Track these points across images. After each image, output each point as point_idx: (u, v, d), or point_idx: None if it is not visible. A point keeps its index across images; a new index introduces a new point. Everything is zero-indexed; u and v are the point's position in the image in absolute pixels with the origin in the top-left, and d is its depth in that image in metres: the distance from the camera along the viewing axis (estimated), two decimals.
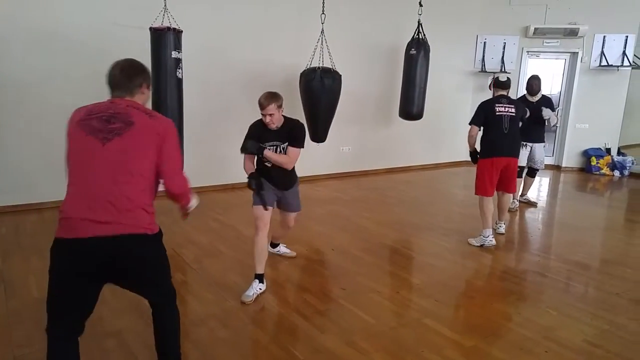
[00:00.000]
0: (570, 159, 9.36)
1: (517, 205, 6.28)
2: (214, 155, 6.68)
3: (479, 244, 4.78)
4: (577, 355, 2.89)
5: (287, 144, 3.59)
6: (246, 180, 3.59)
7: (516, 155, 4.92)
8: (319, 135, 6.61)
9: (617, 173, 8.89)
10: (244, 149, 3.58)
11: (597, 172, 8.96)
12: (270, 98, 3.46)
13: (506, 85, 4.97)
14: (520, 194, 6.58)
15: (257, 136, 3.59)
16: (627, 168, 8.89)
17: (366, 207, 6.22)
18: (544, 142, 6.31)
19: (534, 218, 6.13)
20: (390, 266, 4.41)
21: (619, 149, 9.18)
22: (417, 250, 4.92)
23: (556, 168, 9.48)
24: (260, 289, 3.59)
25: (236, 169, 6.84)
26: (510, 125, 4.78)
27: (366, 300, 3.57)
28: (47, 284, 2.04)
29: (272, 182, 3.71)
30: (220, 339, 2.99)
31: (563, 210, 6.84)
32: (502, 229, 5.23)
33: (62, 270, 2.03)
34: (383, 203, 6.58)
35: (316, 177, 7.72)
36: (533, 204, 6.56)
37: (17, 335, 2.94)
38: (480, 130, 4.93)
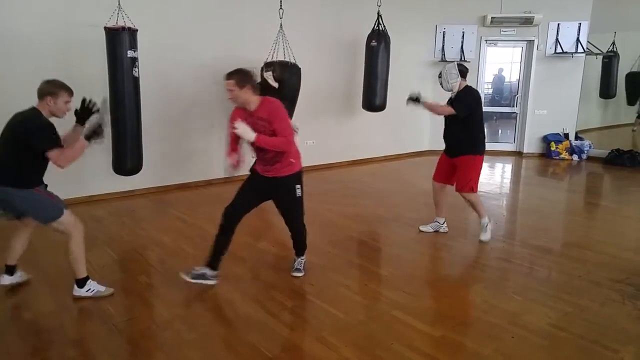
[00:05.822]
0: (531, 144, 9.56)
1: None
2: (174, 153, 6.55)
3: (487, 235, 4.66)
4: (542, 339, 2.94)
5: None
6: None
7: None
8: None
9: (575, 157, 9.12)
10: None
11: (557, 157, 9.17)
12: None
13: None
14: None
15: None
16: (585, 152, 9.14)
17: (332, 200, 6.20)
18: None
19: (498, 204, 6.22)
20: (358, 259, 4.41)
21: (576, 133, 9.42)
22: (384, 241, 4.93)
23: (518, 154, 9.67)
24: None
25: (199, 166, 6.84)
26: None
27: (335, 295, 3.55)
28: None
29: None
30: (187, 341, 2.92)
31: (526, 195, 6.98)
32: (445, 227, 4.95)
33: None
34: (348, 196, 6.57)
35: None
36: None
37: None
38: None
